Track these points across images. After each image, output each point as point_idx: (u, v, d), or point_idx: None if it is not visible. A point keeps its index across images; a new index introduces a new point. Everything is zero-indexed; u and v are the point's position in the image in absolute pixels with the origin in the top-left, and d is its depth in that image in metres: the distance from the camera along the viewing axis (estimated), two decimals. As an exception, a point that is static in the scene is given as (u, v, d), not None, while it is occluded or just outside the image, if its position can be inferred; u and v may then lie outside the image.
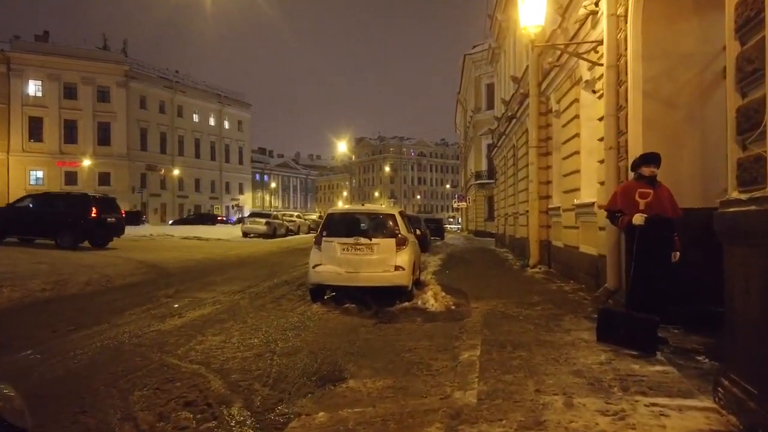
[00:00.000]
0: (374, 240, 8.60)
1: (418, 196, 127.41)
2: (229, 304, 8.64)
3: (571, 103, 10.28)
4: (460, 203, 48.11)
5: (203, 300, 8.98)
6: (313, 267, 8.71)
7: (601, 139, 8.38)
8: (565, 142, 10.90)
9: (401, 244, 8.69)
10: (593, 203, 8.89)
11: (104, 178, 59.22)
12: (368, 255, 8.56)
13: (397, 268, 8.51)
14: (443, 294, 8.70)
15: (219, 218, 53.11)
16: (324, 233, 8.87)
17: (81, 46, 61.60)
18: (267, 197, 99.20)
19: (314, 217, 45.93)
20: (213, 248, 21.11)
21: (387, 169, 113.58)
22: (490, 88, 38.22)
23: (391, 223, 8.91)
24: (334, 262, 8.59)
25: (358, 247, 8.58)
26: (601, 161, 8.38)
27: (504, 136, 20.06)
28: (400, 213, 9.44)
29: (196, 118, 72.65)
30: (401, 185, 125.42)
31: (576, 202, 9.98)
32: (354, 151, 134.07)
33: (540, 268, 12.71)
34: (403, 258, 8.60)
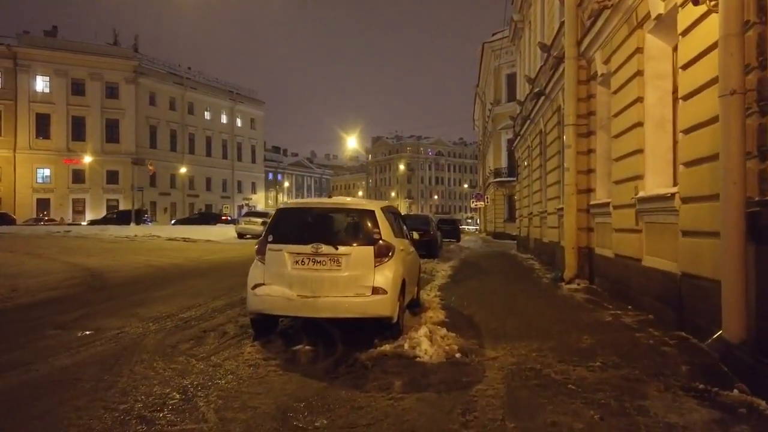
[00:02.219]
0: (342, 249, 5.76)
1: (436, 197, 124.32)
2: (130, 341, 5.87)
3: (630, 57, 7.30)
4: (477, 203, 44.92)
5: (103, 332, 6.24)
6: (253, 288, 5.92)
7: (687, 97, 5.43)
8: (618, 114, 7.92)
9: (383, 254, 5.84)
10: (672, 195, 5.93)
11: (112, 176, 57.65)
12: (333, 271, 5.73)
13: (375, 290, 5.68)
14: (444, 331, 5.80)
15: (223, 218, 50.69)
16: (270, 238, 6.06)
17: (91, 41, 60.25)
18: (280, 196, 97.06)
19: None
20: (192, 251, 18.45)
21: (402, 167, 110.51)
22: (511, 78, 35.14)
23: (368, 223, 6.04)
24: (283, 282, 5.78)
25: (318, 259, 5.76)
26: (689, 128, 5.44)
27: (528, 121, 16.99)
28: (385, 209, 6.54)
29: (207, 115, 71.35)
30: (418, 185, 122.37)
31: (638, 194, 7.02)
32: (370, 150, 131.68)
33: (578, 284, 9.72)
34: (386, 275, 5.76)
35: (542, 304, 7.99)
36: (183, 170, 62.84)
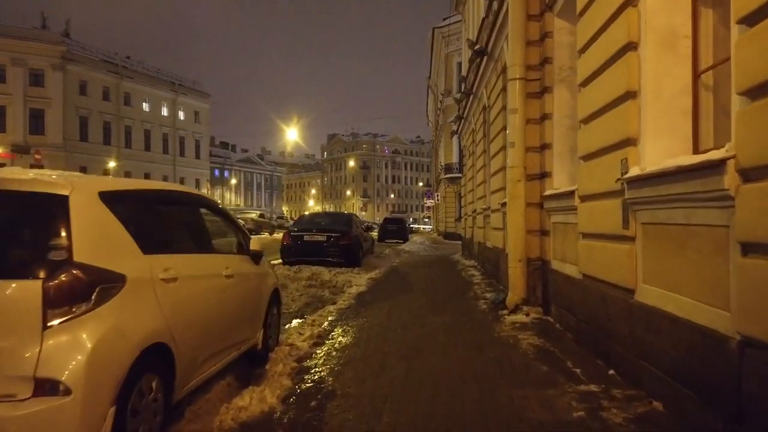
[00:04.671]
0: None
1: (392, 195, 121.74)
2: None
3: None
4: (428, 201, 42.03)
5: None
6: None
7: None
8: (589, 44, 4.78)
9: (73, 296, 2.44)
10: (720, 163, 2.77)
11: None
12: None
13: (42, 385, 2.30)
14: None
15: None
16: None
17: (18, 25, 55.04)
18: (227, 194, 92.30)
19: (253, 215, 39.35)
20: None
21: (351, 163, 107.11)
22: (462, 67, 32.30)
23: (48, 227, 2.62)
24: None
25: None
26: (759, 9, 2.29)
27: (471, 97, 13.86)
28: (115, 195, 3.05)
29: (146, 107, 66.98)
30: (374, 183, 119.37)
31: (628, 173, 3.89)
32: (326, 147, 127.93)
33: (527, 314, 6.58)
34: (78, 346, 2.37)
35: (466, 361, 4.73)
36: (112, 164, 57.99)
